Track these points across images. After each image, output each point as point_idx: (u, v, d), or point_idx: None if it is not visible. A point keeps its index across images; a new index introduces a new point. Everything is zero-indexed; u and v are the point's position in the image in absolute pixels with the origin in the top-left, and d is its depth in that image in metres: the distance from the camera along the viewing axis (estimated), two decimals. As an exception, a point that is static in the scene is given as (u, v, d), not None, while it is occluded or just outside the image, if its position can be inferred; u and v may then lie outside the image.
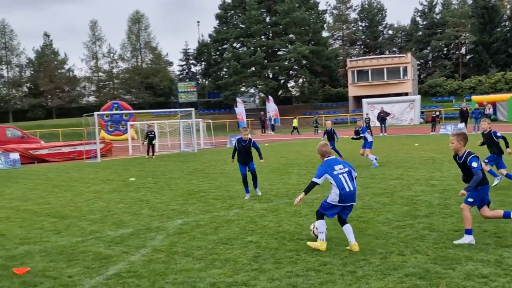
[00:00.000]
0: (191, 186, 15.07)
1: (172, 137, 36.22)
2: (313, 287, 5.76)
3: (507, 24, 78.64)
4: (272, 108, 58.90)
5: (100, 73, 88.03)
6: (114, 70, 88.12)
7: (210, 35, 79.34)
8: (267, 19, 75.70)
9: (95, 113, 29.90)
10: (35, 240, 8.83)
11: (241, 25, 74.86)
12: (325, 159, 7.66)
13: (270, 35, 75.87)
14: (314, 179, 7.42)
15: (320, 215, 7.50)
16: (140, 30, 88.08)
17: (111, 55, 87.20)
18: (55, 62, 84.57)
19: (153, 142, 27.88)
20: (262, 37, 75.68)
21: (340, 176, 7.37)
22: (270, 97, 61.27)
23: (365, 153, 18.59)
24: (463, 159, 7.41)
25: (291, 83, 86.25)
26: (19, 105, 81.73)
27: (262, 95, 79.69)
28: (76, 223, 10.24)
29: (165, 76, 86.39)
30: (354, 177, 7.54)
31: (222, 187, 14.35)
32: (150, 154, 27.42)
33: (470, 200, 7.28)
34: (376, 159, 18.13)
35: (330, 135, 20.60)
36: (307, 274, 6.22)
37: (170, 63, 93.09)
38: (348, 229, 7.31)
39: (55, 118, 77.00)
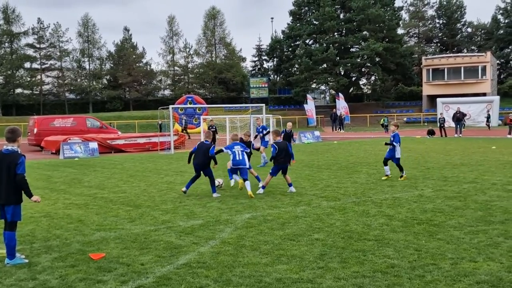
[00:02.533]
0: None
1: (242, 132, 36.59)
2: (380, 288, 5.72)
3: None
4: (342, 105, 58.25)
5: (176, 68, 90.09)
6: (189, 65, 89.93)
7: (283, 32, 79.52)
8: (341, 16, 74.90)
9: (170, 106, 30.79)
10: (111, 227, 9.26)
11: (314, 22, 74.50)
12: (232, 142, 13.55)
13: (344, 31, 75.02)
14: (224, 149, 13.31)
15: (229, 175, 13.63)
16: (216, 26, 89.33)
17: (187, 50, 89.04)
18: (134, 56, 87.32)
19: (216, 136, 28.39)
20: (335, 33, 74.99)
21: (236, 151, 12.88)
22: (340, 94, 60.59)
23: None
24: None
25: (363, 81, 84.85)
26: (98, 97, 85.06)
27: (333, 92, 78.98)
28: (149, 212, 10.64)
29: (238, 72, 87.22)
30: (246, 152, 13.11)
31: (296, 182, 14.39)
32: None
33: None
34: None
35: (288, 137, 20.37)
36: (374, 275, 6.18)
37: (243, 59, 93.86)
38: (247, 184, 12.38)
39: (132, 110, 79.70)
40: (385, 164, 15.03)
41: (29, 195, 7.19)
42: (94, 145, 27.52)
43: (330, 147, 29.86)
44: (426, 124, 56.53)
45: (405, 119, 65.00)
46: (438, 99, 58.86)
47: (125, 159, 24.37)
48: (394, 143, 14.75)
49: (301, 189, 13.32)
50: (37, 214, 10.67)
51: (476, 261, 6.66)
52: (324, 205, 10.99)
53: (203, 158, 12.80)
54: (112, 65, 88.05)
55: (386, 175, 14.86)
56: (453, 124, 42.08)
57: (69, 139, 28.26)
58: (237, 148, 12.97)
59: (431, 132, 38.26)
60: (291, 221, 9.41)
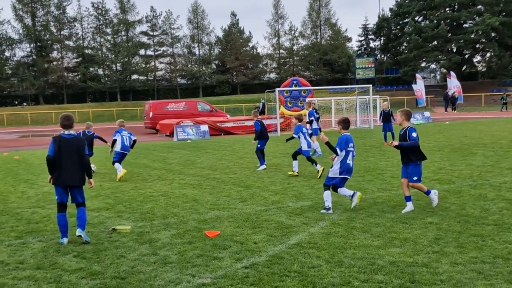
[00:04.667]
0: (367, 163, 15.00)
1: (348, 114, 36.18)
2: (501, 275, 5.46)
3: None
4: (454, 84, 55.40)
5: (281, 50, 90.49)
6: (294, 47, 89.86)
7: (391, 9, 76.92)
8: (454, -10, 71.05)
9: (276, 89, 31.12)
10: (224, 207, 9.60)
11: (424, -3, 71.35)
12: (119, 128, 14.16)
13: (456, 6, 71.11)
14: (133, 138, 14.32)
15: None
16: (321, 7, 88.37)
17: (292, 32, 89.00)
18: (241, 41, 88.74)
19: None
20: (447, 9, 71.33)
21: (124, 137, 14.05)
22: (452, 73, 57.63)
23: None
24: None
25: (477, 58, 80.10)
26: (208, 81, 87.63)
27: (444, 70, 75.41)
28: (259, 193, 10.89)
29: (343, 52, 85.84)
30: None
31: (399, 166, 13.99)
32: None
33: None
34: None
35: (387, 116, 20.24)
36: (494, 261, 5.91)
37: (349, 39, 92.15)
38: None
39: (239, 93, 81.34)
40: (294, 158, 13.49)
41: (90, 175, 7.68)
42: (205, 127, 28.54)
43: (442, 128, 28.63)
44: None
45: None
46: None
47: (234, 141, 25.01)
48: (294, 135, 13.64)
49: (412, 172, 12.94)
50: (156, 193, 11.31)
51: None
52: (437, 188, 10.59)
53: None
54: (220, 50, 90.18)
55: (293, 171, 13.34)
56: None
57: (182, 122, 29.54)
58: (125, 134, 14.15)
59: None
60: (403, 204, 9.19)
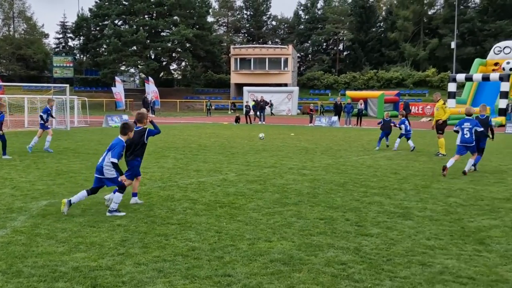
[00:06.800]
0: (60, 165, 14.35)
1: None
2: (179, 272, 5.74)
3: (382, 25, 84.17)
4: (152, 89, 57.76)
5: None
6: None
7: (90, 10, 76.00)
8: (152, -1, 74.11)
9: (-44, 82, 27.45)
10: None
11: (124, 2, 72.61)
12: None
13: (154, 15, 74.35)
14: None
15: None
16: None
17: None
18: None
19: None
20: (146, 16, 74.05)
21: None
22: (150, 78, 60.02)
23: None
24: None
25: (173, 66, 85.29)
26: None
27: (143, 75, 78.02)
28: None
29: (40, 49, 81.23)
30: None
31: (93, 168, 13.76)
32: None
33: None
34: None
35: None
36: (175, 259, 6.20)
37: (46, 35, 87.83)
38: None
39: None
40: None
41: None
42: None
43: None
44: (233, 111, 58.88)
45: (213, 106, 66.90)
46: (245, 88, 61.62)
47: None
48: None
49: (105, 174, 12.84)
50: None
51: (271, 240, 7.06)
52: (128, 190, 10.72)
53: None
54: None
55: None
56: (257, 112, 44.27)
57: None
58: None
59: (237, 119, 40.07)
60: (93, 207, 9.03)
